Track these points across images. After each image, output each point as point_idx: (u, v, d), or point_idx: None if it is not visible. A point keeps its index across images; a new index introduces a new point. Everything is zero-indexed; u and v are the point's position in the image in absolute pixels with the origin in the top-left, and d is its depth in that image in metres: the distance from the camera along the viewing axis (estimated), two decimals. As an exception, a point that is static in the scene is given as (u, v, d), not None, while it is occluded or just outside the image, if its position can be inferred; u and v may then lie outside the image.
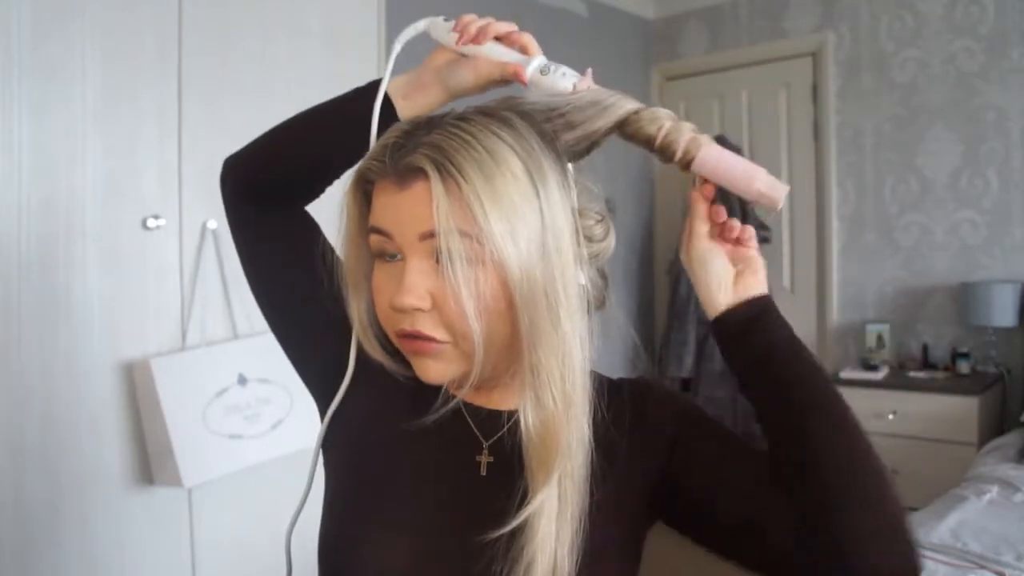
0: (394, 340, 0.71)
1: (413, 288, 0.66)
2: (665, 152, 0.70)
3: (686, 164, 0.70)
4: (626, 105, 0.70)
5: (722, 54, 3.76)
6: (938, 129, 3.15)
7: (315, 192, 0.82)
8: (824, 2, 3.43)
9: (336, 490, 0.76)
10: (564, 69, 0.74)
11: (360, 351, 0.77)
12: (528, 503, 0.65)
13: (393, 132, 0.69)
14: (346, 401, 0.77)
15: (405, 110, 0.77)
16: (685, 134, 0.70)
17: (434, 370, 0.69)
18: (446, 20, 0.78)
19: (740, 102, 3.71)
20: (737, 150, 3.72)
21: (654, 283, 4.00)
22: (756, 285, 0.73)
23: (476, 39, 0.75)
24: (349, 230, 0.73)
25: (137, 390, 1.53)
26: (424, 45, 0.80)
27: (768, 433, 0.70)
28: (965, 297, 2.99)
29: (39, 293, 1.42)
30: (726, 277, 0.73)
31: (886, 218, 3.30)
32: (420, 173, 0.65)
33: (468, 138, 0.65)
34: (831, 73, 3.41)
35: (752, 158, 3.36)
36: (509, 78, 0.75)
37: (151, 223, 1.56)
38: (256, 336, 1.70)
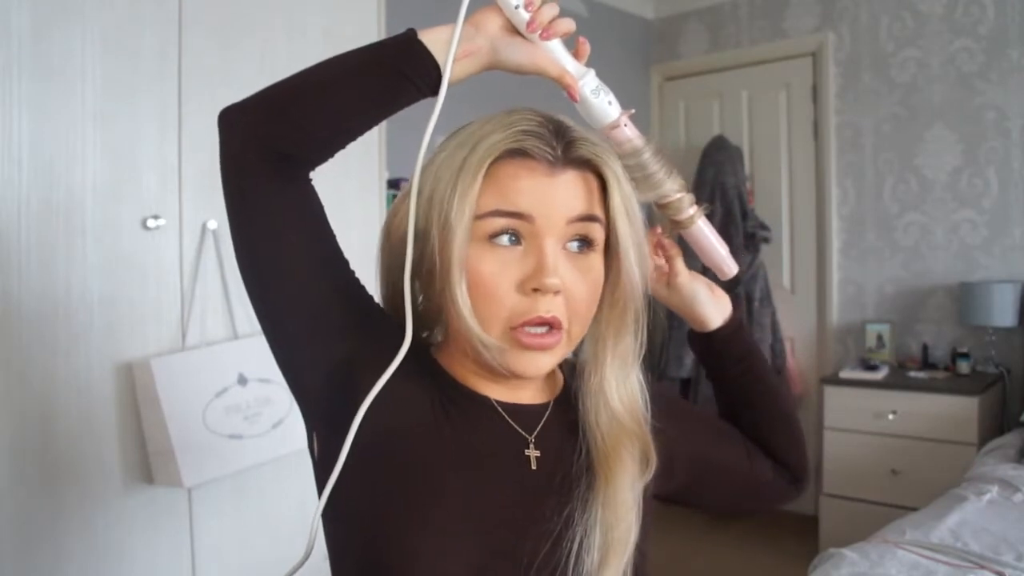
0: (499, 335, 0.68)
1: (557, 268, 0.68)
2: (667, 214, 0.81)
3: (680, 228, 0.82)
4: (672, 190, 0.78)
5: (722, 54, 3.76)
6: (938, 129, 3.15)
7: (328, 155, 0.72)
8: (824, 2, 3.43)
9: (369, 500, 0.69)
10: (610, 96, 0.76)
11: (383, 346, 0.70)
12: (606, 478, 0.71)
13: (531, 118, 0.70)
14: (369, 408, 0.69)
15: (447, 72, 0.69)
16: (689, 210, 0.81)
17: (545, 364, 0.70)
18: None
19: (740, 102, 3.70)
20: (737, 150, 3.72)
21: (654, 283, 3.99)
22: (725, 299, 0.90)
23: (547, 32, 0.70)
24: (470, 208, 0.67)
25: (137, 390, 1.53)
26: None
27: (747, 402, 0.91)
28: (965, 297, 2.99)
29: (39, 293, 1.42)
30: (710, 298, 0.88)
31: (886, 218, 3.30)
32: (576, 164, 0.70)
33: (609, 148, 0.73)
34: (831, 73, 3.41)
35: (752, 158, 3.35)
36: (562, 86, 0.74)
37: (151, 223, 1.56)
38: (256, 336, 1.70)
